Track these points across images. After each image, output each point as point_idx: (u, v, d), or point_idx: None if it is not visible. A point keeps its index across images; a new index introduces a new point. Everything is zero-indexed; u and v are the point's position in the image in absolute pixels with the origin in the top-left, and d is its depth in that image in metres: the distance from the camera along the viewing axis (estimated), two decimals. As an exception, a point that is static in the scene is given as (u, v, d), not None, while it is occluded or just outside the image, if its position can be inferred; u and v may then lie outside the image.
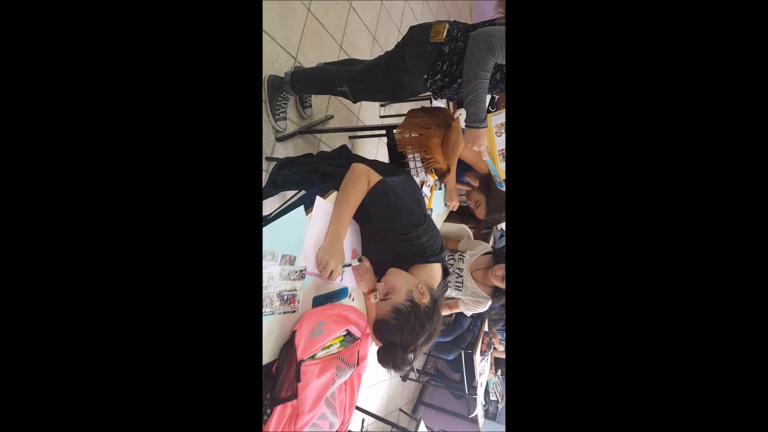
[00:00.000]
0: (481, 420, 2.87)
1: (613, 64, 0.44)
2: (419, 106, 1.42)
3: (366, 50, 2.19)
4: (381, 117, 2.34)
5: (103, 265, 0.41)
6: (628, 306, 0.42)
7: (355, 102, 1.36)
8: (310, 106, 1.76)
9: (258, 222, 0.50)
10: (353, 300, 1.04)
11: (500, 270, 1.63)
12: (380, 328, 0.90)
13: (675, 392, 0.41)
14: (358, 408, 1.00)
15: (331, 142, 1.98)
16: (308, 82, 1.42)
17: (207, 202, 0.44)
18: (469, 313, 1.96)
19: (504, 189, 1.56)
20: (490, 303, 1.84)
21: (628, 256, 0.43)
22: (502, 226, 2.45)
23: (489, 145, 1.22)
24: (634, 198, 0.43)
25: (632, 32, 0.43)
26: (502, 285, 1.63)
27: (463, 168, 1.79)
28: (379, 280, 1.07)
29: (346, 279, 1.02)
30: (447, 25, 1.12)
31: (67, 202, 0.40)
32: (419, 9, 2.88)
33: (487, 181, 1.63)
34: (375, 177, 0.99)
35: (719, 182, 0.41)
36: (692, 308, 0.41)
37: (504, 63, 0.97)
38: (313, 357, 0.81)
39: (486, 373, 2.75)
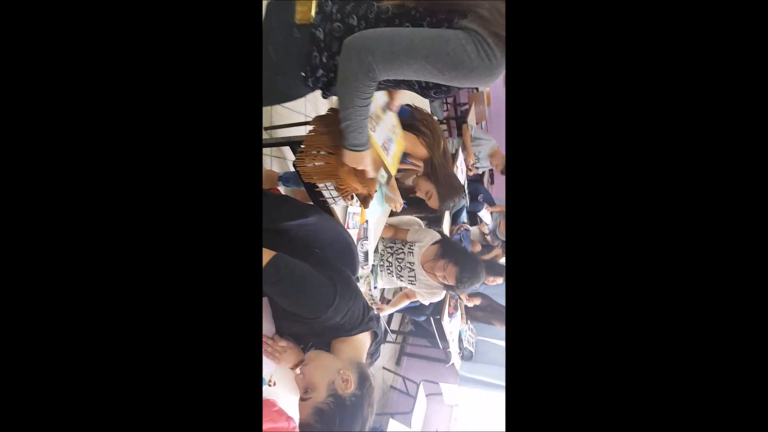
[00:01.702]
0: (458, 363, 3.08)
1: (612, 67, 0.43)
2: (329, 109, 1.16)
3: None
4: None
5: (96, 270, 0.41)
6: (626, 306, 0.43)
7: None
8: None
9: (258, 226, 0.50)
10: (274, 384, 0.93)
11: (439, 270, 1.55)
12: None
13: (673, 388, 0.41)
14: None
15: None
16: None
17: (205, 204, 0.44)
18: (426, 302, 1.92)
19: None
20: (445, 293, 1.78)
21: (625, 256, 0.43)
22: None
23: (379, 156, 1.03)
24: (632, 200, 0.43)
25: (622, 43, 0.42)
26: (446, 282, 1.57)
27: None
28: (304, 349, 0.95)
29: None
30: None
31: (64, 206, 0.40)
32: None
33: (432, 165, 1.45)
34: (265, 255, 0.81)
35: (712, 198, 0.41)
36: (691, 308, 0.41)
37: (393, 78, 0.71)
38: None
39: (457, 328, 2.86)
